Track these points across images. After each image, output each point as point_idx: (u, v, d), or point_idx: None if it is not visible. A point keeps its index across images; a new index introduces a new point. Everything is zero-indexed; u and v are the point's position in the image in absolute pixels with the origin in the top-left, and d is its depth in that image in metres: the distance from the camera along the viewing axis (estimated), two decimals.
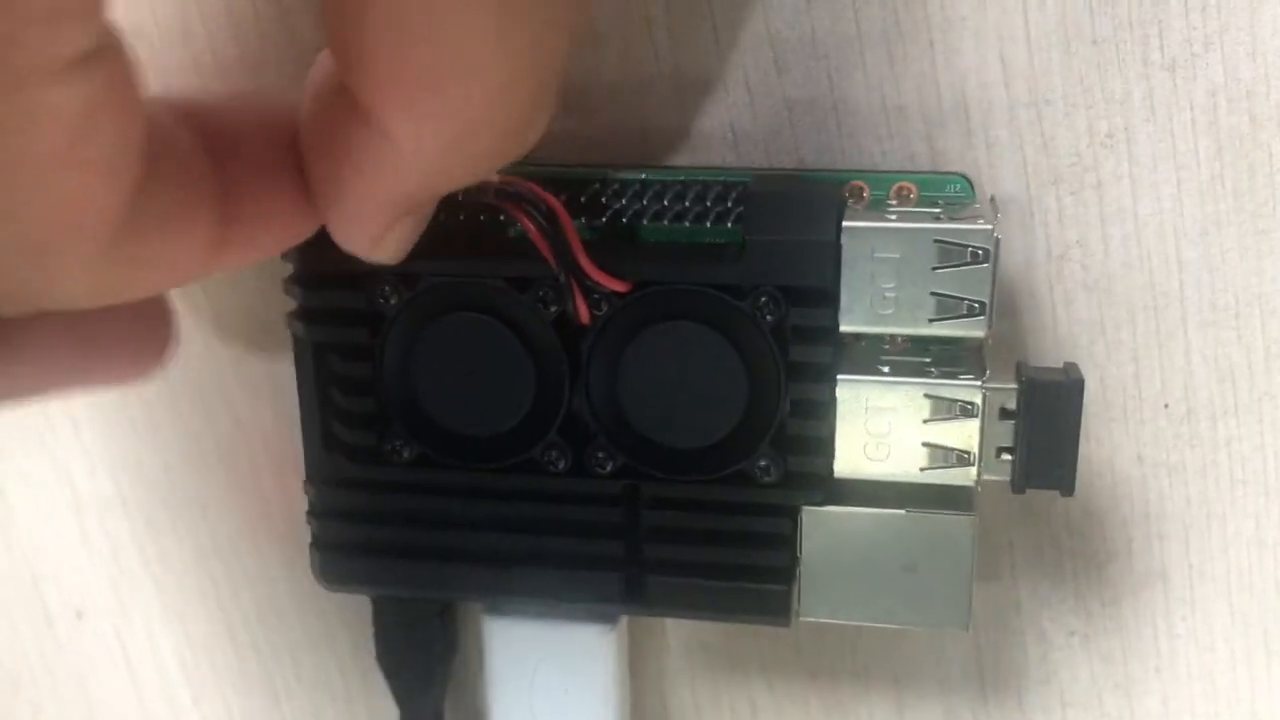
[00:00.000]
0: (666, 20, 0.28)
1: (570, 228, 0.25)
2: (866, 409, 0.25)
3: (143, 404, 0.33)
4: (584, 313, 0.26)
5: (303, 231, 0.22)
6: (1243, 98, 0.26)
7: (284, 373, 0.32)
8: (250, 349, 0.32)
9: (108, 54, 0.17)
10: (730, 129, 0.28)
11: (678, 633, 0.33)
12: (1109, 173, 0.27)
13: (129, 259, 0.19)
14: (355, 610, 0.34)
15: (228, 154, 0.21)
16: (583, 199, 0.26)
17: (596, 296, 0.26)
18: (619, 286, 0.25)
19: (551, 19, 0.19)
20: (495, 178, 0.25)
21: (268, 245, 0.22)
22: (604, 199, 0.27)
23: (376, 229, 0.22)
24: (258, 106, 0.22)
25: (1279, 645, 0.30)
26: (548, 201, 0.25)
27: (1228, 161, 0.27)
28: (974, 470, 0.25)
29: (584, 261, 0.25)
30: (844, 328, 0.25)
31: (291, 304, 0.28)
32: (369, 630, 0.35)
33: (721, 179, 0.27)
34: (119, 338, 0.25)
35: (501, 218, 0.27)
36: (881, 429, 0.25)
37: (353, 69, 0.19)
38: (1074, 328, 0.28)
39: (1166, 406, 0.29)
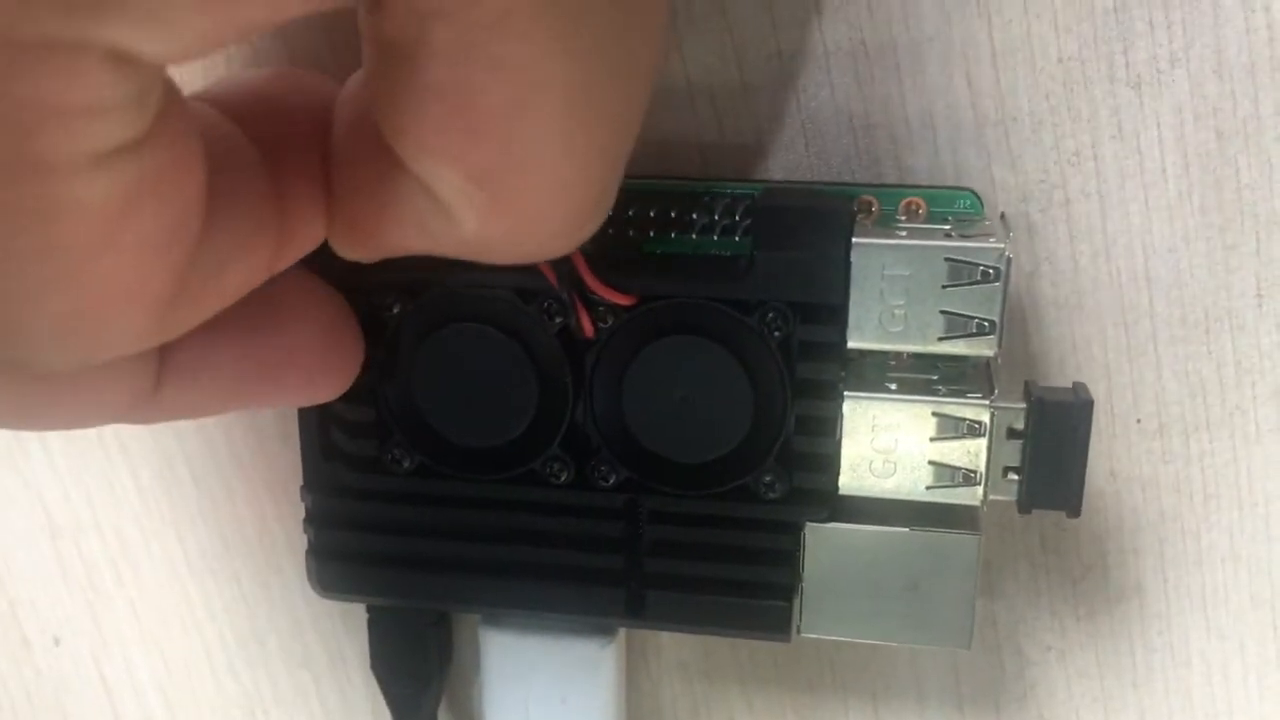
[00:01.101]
0: None
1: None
2: (872, 426, 0.25)
3: (113, 425, 0.33)
4: (587, 326, 0.25)
5: (322, 234, 0.21)
6: (1209, 114, 0.26)
7: None
8: None
9: (154, 141, 0.15)
10: (698, 147, 0.28)
11: (656, 648, 0.33)
12: (1077, 190, 0.27)
13: (191, 301, 0.18)
14: (333, 631, 0.34)
15: (279, 147, 0.20)
16: None
17: (601, 309, 0.26)
18: (623, 300, 0.25)
19: (615, 125, 0.19)
20: None
21: (308, 245, 0.21)
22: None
23: (385, 256, 0.21)
24: (297, 89, 0.21)
25: (1255, 659, 0.30)
26: None
27: (1195, 178, 0.27)
28: (980, 490, 0.25)
29: (586, 275, 0.25)
30: (852, 344, 0.25)
31: None
32: (347, 651, 0.35)
33: (729, 191, 0.27)
34: (295, 360, 0.24)
35: None
36: (887, 446, 0.25)
37: (410, 149, 0.18)
38: (1045, 344, 0.28)
39: (1138, 422, 0.29)
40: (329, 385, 0.26)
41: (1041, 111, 0.27)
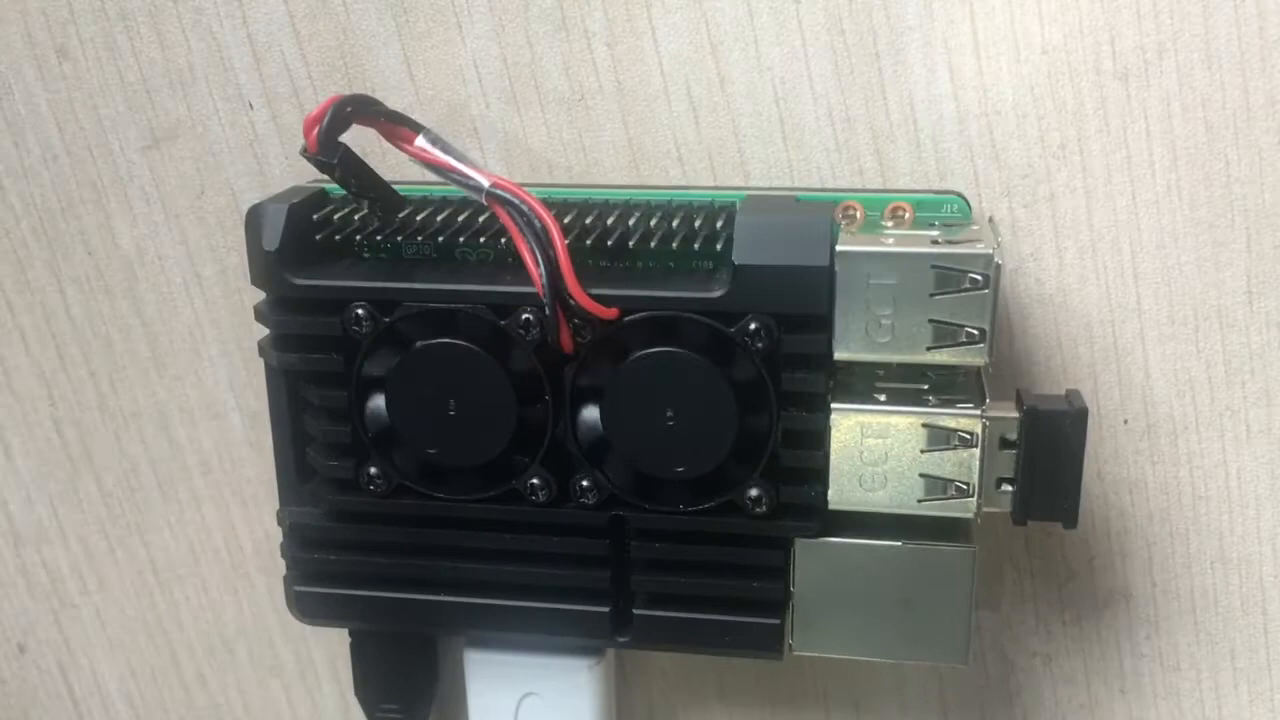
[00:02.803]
0: (606, 33, 0.27)
1: (563, 251, 0.24)
2: (861, 438, 0.24)
3: (77, 430, 0.32)
4: (567, 341, 0.25)
5: None
6: (1198, 106, 0.25)
7: (221, 399, 0.31)
8: (186, 373, 0.31)
9: None
10: (674, 143, 0.27)
11: (633, 658, 0.32)
12: (1062, 184, 0.26)
13: None
14: (303, 638, 0.34)
15: None
16: (566, 219, 0.25)
17: (577, 322, 0.25)
18: (607, 315, 0.24)
19: None
20: (490, 177, 0.24)
21: None
22: (588, 219, 0.26)
23: None
24: None
25: (1246, 663, 0.29)
26: (541, 218, 0.23)
27: (1183, 172, 0.26)
28: (973, 502, 0.24)
29: (574, 288, 0.24)
30: (838, 356, 0.24)
31: (264, 332, 0.27)
32: (317, 659, 0.34)
33: (711, 199, 0.26)
34: None
35: (481, 239, 0.26)
36: (877, 459, 0.24)
37: None
38: (1030, 343, 0.27)
39: (1126, 422, 0.28)
40: None
41: (1026, 104, 0.26)
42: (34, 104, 0.30)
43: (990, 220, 0.26)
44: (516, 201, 0.24)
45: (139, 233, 0.30)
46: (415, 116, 0.26)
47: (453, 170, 0.24)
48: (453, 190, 0.27)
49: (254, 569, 0.33)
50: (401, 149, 0.25)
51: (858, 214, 0.26)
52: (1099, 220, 0.26)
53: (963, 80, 0.26)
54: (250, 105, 0.29)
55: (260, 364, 0.28)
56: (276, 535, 0.30)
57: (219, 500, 0.32)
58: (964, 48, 0.26)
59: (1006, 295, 0.27)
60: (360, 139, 0.25)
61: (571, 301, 0.24)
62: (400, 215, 0.26)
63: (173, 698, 0.35)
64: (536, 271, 0.24)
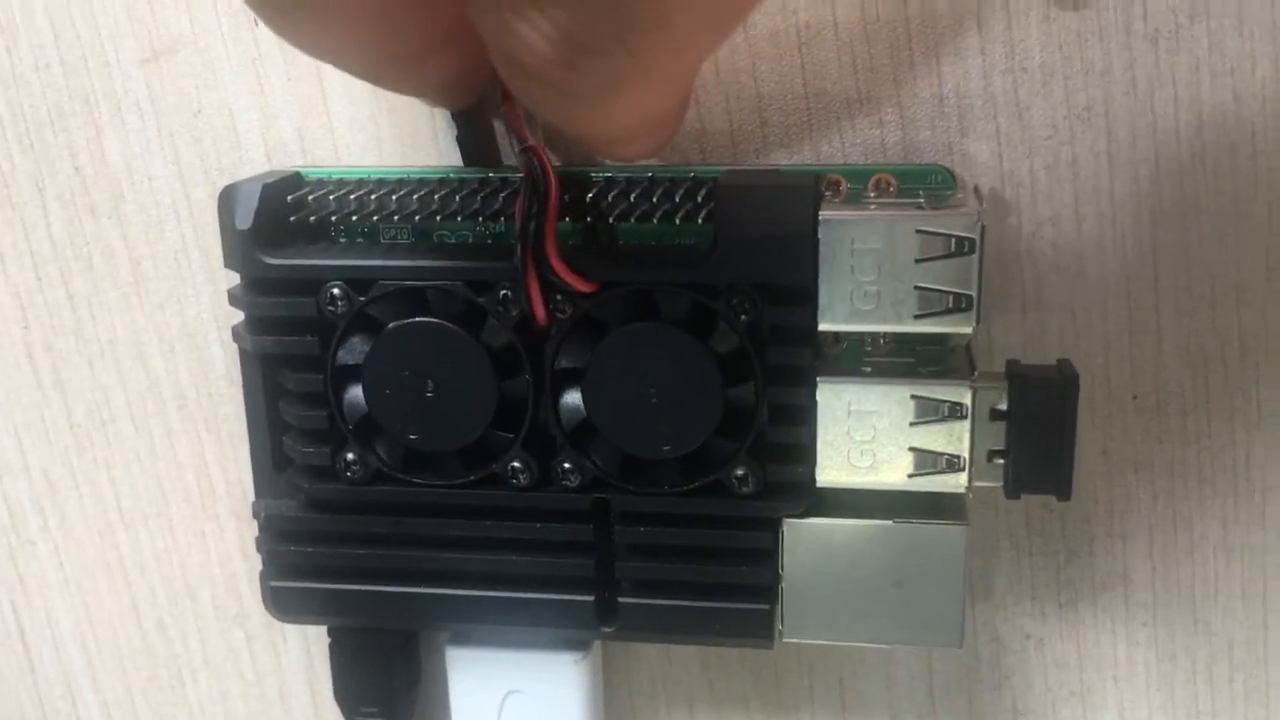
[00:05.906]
0: None
1: (553, 218, 0.23)
2: (849, 413, 0.24)
3: (49, 355, 0.31)
4: (540, 312, 0.24)
5: None
6: (1227, 73, 0.25)
7: (203, 330, 0.30)
8: (168, 300, 0.30)
9: None
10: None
11: (618, 651, 0.31)
12: (1085, 147, 0.26)
13: None
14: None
15: None
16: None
17: (560, 298, 0.24)
18: (585, 287, 0.24)
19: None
20: (534, 139, 0.24)
21: None
22: (566, 197, 0.25)
23: None
24: None
25: (1243, 657, 0.29)
26: (549, 182, 0.23)
27: (1208, 141, 0.25)
28: (964, 476, 0.24)
29: (553, 257, 0.23)
30: (823, 326, 0.23)
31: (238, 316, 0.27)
32: None
33: (692, 175, 0.25)
34: None
35: (459, 219, 0.25)
36: (865, 434, 0.24)
37: None
38: (1042, 311, 0.27)
39: (1135, 398, 0.27)
40: None
41: (1053, 62, 0.25)
42: (29, 9, 0.29)
43: (975, 189, 0.26)
44: (537, 167, 0.23)
45: (130, 150, 0.29)
46: None
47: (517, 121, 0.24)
48: (429, 172, 0.26)
49: (224, 511, 0.32)
50: None
51: (841, 186, 0.26)
52: (1120, 186, 0.26)
53: (991, 34, 0.25)
54: (256, 20, 0.28)
55: None
56: (249, 477, 0.28)
57: (193, 436, 0.31)
58: (994, 1, 0.25)
59: (1022, 260, 0.27)
60: None
61: (550, 272, 0.23)
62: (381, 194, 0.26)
63: (129, 644, 0.33)
64: (521, 222, 0.23)
